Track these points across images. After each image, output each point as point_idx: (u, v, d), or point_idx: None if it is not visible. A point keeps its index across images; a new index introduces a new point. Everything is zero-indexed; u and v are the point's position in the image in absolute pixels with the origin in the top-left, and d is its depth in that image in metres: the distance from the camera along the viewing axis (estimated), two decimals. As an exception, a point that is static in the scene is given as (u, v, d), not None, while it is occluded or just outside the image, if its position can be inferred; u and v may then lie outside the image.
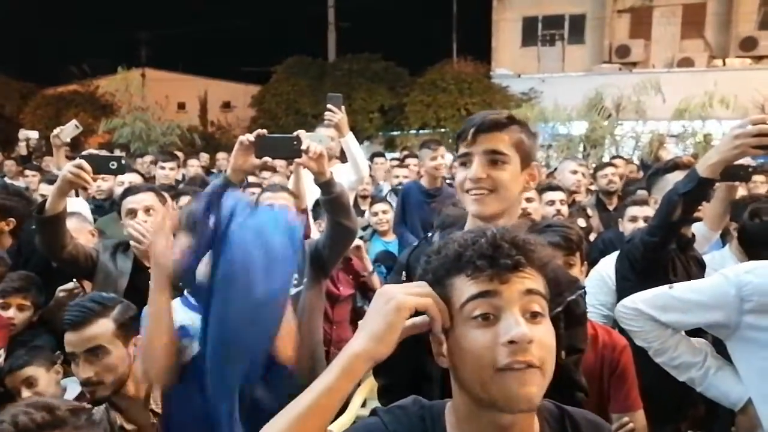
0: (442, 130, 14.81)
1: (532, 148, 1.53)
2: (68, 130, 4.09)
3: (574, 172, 4.29)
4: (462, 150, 1.51)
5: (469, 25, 19.99)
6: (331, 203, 2.40)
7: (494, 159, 1.47)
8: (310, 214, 3.32)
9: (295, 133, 2.21)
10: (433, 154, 4.40)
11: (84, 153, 2.33)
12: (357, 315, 3.53)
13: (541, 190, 3.55)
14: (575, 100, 11.17)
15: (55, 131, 4.12)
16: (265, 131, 2.20)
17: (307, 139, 2.22)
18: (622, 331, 2.10)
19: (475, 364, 0.93)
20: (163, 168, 4.79)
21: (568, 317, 1.44)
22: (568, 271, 1.67)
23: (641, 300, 1.98)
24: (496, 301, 0.94)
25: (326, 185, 2.34)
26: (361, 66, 17.19)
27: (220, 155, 8.26)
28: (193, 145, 12.75)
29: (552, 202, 3.52)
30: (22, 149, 4.81)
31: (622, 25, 17.99)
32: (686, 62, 16.56)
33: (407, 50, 18.86)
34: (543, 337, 0.95)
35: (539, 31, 18.48)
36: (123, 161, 2.34)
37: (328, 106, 3.37)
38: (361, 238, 3.90)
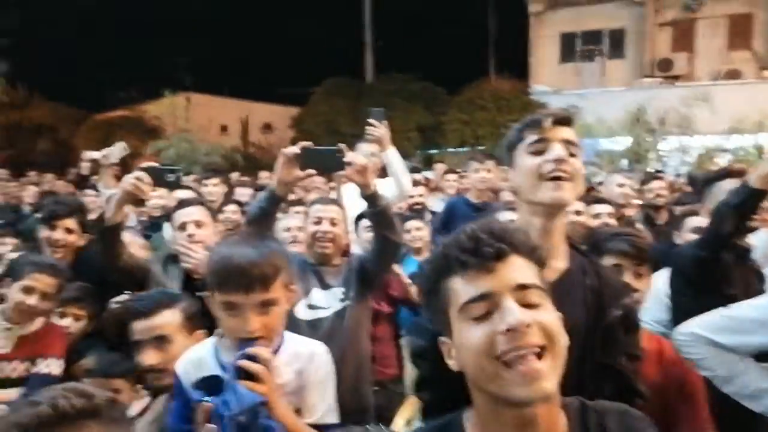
0: (481, 147, 14.74)
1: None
2: (116, 152, 4.24)
3: (621, 186, 4.17)
4: (534, 137, 1.44)
5: (506, 43, 20.01)
6: (377, 216, 2.41)
7: (570, 150, 1.43)
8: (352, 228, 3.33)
9: (338, 146, 2.23)
10: (479, 166, 4.34)
11: (143, 165, 2.42)
12: (398, 332, 3.47)
13: (588, 203, 3.46)
14: (616, 116, 10.98)
15: (104, 152, 4.27)
16: (310, 143, 2.22)
17: (351, 152, 2.25)
18: None
19: (478, 359, 0.93)
20: (206, 185, 4.91)
21: (626, 322, 1.40)
22: (619, 277, 1.60)
23: (698, 324, 1.84)
24: (491, 299, 0.95)
25: (371, 198, 2.34)
26: (398, 86, 17.34)
27: (263, 174, 8.42)
28: (235, 165, 13.04)
29: (599, 216, 3.42)
30: (84, 169, 5.02)
31: (663, 39, 17.65)
32: (734, 74, 16.08)
33: (444, 69, 18.99)
34: (543, 319, 0.94)
35: (578, 46, 18.32)
36: (180, 173, 2.41)
37: (370, 120, 3.40)
38: None
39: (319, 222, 2.65)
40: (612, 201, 3.73)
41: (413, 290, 3.27)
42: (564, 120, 1.45)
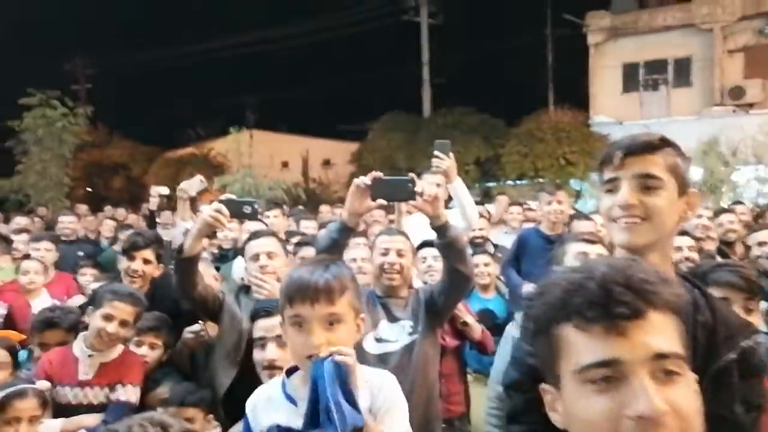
0: (541, 180, 14.49)
1: (688, 173, 1.39)
2: (194, 185, 4.36)
3: (699, 216, 3.98)
4: (608, 175, 1.36)
5: (566, 74, 19.80)
6: (447, 248, 2.38)
7: (647, 184, 1.31)
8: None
9: (409, 175, 2.23)
10: (550, 198, 4.25)
11: (221, 197, 2.50)
12: (464, 368, 3.36)
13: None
14: (684, 146, 10.54)
15: (182, 185, 4.42)
16: (380, 174, 2.23)
17: (422, 182, 2.24)
18: None
19: None
20: (268, 216, 5.03)
21: (743, 366, 1.26)
22: (738, 314, 1.46)
23: None
24: (617, 367, 0.79)
25: (442, 229, 2.32)
26: (456, 119, 17.41)
27: (323, 208, 8.56)
28: (297, 200, 13.35)
29: (680, 249, 3.25)
30: (152, 204, 5.22)
31: (734, 66, 16.98)
32: (812, 100, 15.23)
33: (502, 101, 18.96)
34: (681, 403, 0.79)
35: (641, 76, 17.89)
36: (256, 206, 2.48)
37: (436, 152, 3.40)
38: None
39: (386, 253, 2.64)
40: (690, 233, 3.55)
41: (475, 327, 3.16)
42: (639, 149, 1.33)
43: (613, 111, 17.34)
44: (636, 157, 1.33)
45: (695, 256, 3.29)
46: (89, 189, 18.99)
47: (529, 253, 4.17)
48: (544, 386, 0.92)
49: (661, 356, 0.79)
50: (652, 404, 0.76)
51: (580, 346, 0.82)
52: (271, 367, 2.00)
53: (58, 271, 4.50)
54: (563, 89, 19.55)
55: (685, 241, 3.34)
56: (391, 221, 4.72)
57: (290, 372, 1.60)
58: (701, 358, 1.27)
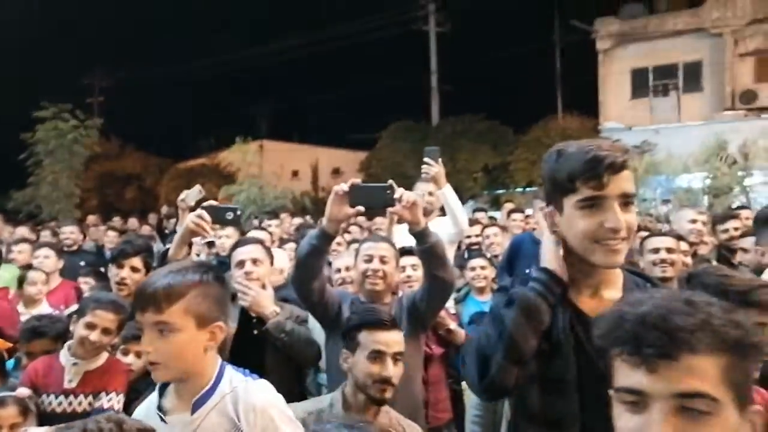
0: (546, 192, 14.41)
1: None
2: (192, 195, 4.42)
3: (693, 222, 3.92)
4: (587, 193, 1.32)
5: (574, 80, 19.70)
6: (427, 253, 2.37)
7: (627, 202, 1.33)
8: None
9: (387, 182, 2.23)
10: (542, 205, 4.21)
11: (204, 204, 2.52)
12: (451, 375, 3.32)
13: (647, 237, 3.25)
14: (695, 150, 10.45)
15: (182, 196, 4.48)
16: (359, 181, 2.24)
17: (401, 189, 2.24)
18: None
19: None
20: (269, 225, 5.08)
21: (763, 380, 1.31)
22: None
23: None
24: (643, 397, 0.87)
25: (421, 235, 2.32)
26: (464, 127, 17.41)
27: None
28: (304, 209, 13.40)
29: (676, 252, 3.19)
30: (163, 212, 5.29)
31: (745, 70, 16.80)
32: (825, 104, 15.02)
33: (510, 109, 18.91)
34: None
35: (650, 81, 17.77)
36: (238, 212, 2.49)
37: (425, 159, 3.40)
38: (454, 298, 3.74)
39: (370, 260, 2.64)
40: (685, 238, 3.50)
41: (459, 333, 3.12)
42: (621, 165, 1.31)
43: (623, 117, 17.23)
44: (618, 175, 1.31)
45: (689, 260, 3.25)
46: (100, 200, 19.22)
47: (523, 258, 4.13)
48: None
49: (685, 395, 0.84)
50: None
51: (620, 370, 0.91)
52: (385, 383, 1.99)
53: (63, 279, 4.55)
54: (572, 96, 19.49)
55: (681, 246, 3.30)
56: (378, 229, 4.70)
57: (163, 387, 1.55)
58: None
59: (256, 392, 1.51)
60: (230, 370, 1.56)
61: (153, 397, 1.57)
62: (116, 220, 9.58)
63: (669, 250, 2.99)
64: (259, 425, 1.46)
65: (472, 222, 5.29)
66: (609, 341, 0.92)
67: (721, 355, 0.84)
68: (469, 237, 4.61)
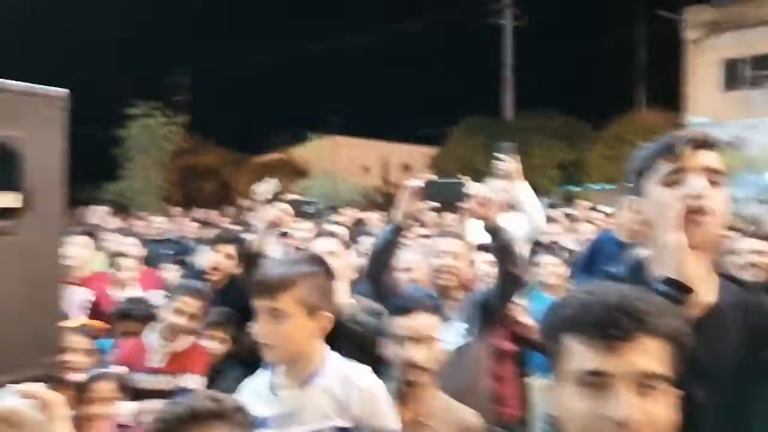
0: (630, 185, 13.81)
1: None
2: (269, 188, 4.61)
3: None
4: (666, 168, 1.29)
5: (658, 73, 18.74)
6: (500, 251, 2.36)
7: (713, 179, 1.27)
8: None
9: (461, 178, 2.23)
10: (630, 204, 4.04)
11: (288, 198, 2.64)
12: (524, 372, 3.29)
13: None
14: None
15: (256, 188, 4.68)
16: (434, 176, 2.25)
17: (475, 184, 2.23)
18: None
19: (579, 429, 0.95)
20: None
21: None
22: None
23: None
24: (606, 378, 0.93)
25: (494, 232, 2.30)
26: (539, 123, 16.99)
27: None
28: (374, 203, 13.56)
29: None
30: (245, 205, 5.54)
31: None
32: None
33: (589, 103, 18.25)
34: (656, 415, 0.93)
35: (746, 73, 16.59)
36: (318, 205, 2.58)
37: (500, 156, 3.36)
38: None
39: (442, 256, 2.64)
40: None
41: (535, 329, 3.10)
42: (705, 144, 1.28)
43: (712, 110, 16.19)
44: (703, 150, 1.28)
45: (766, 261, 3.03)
46: (183, 194, 20.26)
47: (604, 260, 3.97)
48: (551, 382, 1.05)
49: (644, 375, 0.93)
50: (630, 413, 0.91)
51: (580, 354, 0.96)
52: (412, 366, 1.94)
53: (146, 267, 4.86)
54: (654, 90, 18.55)
55: (756, 245, 3.09)
56: (449, 225, 4.68)
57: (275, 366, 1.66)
58: (756, 356, 1.25)
59: (364, 377, 1.65)
60: (336, 356, 1.70)
61: (264, 374, 1.69)
62: (199, 211, 10.07)
63: (760, 253, 2.81)
64: (366, 407, 1.60)
65: (549, 220, 5.17)
66: (567, 326, 0.98)
67: (667, 341, 0.95)
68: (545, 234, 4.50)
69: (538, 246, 4.18)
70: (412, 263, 3.19)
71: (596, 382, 0.94)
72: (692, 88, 17.19)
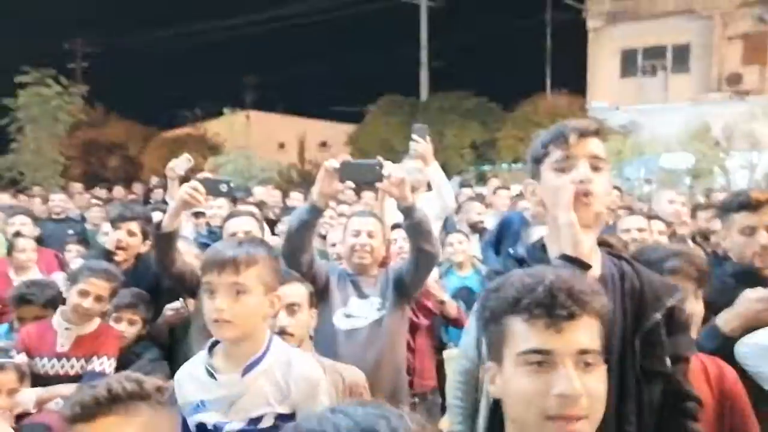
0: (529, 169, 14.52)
1: None
2: (181, 164, 4.44)
3: (672, 202, 4.04)
4: (558, 154, 1.41)
5: (563, 59, 19.70)
6: (413, 228, 2.45)
7: (596, 165, 1.40)
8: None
9: (376, 159, 2.29)
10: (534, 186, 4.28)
11: (198, 176, 2.56)
12: (440, 345, 3.47)
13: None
14: (680, 131, 10.58)
15: (170, 164, 4.50)
16: (349, 157, 2.30)
17: (389, 165, 2.30)
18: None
19: (526, 408, 1.00)
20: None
21: (670, 323, 1.37)
22: (661, 277, 1.53)
23: (764, 336, 1.77)
24: (551, 356, 1.00)
25: (408, 210, 2.39)
26: (453, 103, 17.38)
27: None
28: (290, 181, 13.40)
29: (650, 232, 3.31)
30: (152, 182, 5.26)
31: (732, 52, 16.92)
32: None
33: (499, 86, 18.92)
34: (593, 387, 1.00)
35: (639, 62, 17.84)
36: (231, 184, 2.53)
37: (413, 136, 3.45)
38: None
39: (357, 234, 2.71)
40: (663, 218, 3.61)
41: (451, 305, 3.26)
42: (590, 132, 1.41)
43: (611, 96, 17.30)
44: (589, 138, 1.40)
45: (665, 240, 3.36)
46: (85, 169, 19.01)
47: (511, 237, 4.22)
48: (488, 364, 1.10)
49: (584, 351, 1.00)
50: (574, 386, 0.97)
51: (525, 335, 1.02)
52: (282, 333, 2.01)
53: (40, 248, 4.57)
54: (560, 74, 19.50)
55: (657, 225, 3.41)
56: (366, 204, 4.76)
57: (213, 346, 1.66)
58: (632, 321, 1.39)
59: (305, 363, 1.67)
60: (278, 340, 1.70)
61: (201, 355, 1.67)
62: (99, 190, 9.50)
63: (640, 230, 3.10)
64: (304, 393, 1.61)
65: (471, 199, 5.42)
66: (511, 308, 1.03)
67: (598, 319, 1.04)
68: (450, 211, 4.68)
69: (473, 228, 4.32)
70: (338, 240, 3.23)
71: (541, 360, 0.99)
72: (593, 74, 18.25)
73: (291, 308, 2.05)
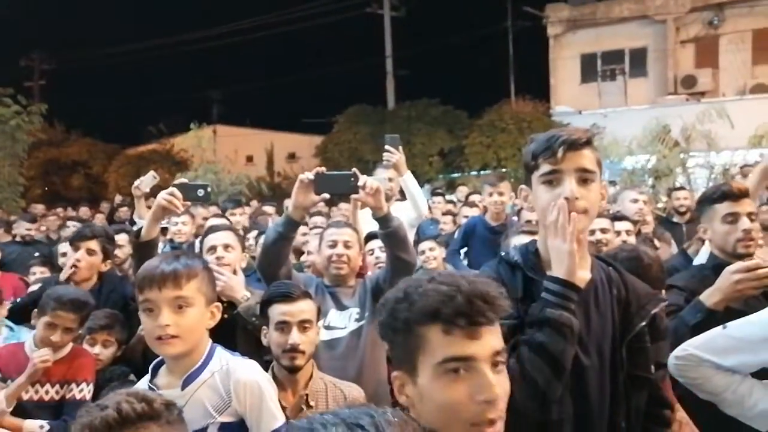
0: (504, 170, 14.75)
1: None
2: (147, 181, 4.41)
3: (635, 201, 4.17)
4: (546, 168, 1.42)
5: (526, 65, 20.10)
6: (390, 237, 2.48)
7: (584, 177, 1.41)
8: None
9: (351, 170, 2.32)
10: (492, 189, 4.40)
11: (176, 182, 2.52)
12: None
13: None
14: (640, 134, 10.90)
15: (136, 182, 4.45)
16: (323, 169, 2.33)
17: (364, 176, 2.33)
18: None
19: (450, 417, 1.00)
20: (233, 215, 5.09)
21: (653, 331, 1.42)
22: (646, 286, 1.56)
23: (695, 346, 1.74)
24: (469, 362, 1.01)
25: (384, 220, 2.42)
26: (420, 111, 17.53)
27: (288, 202, 8.58)
28: (260, 194, 13.29)
29: (618, 233, 3.42)
30: (116, 201, 5.16)
31: (686, 56, 17.55)
32: (760, 88, 15.87)
33: (465, 93, 19.16)
34: (505, 387, 1.04)
35: (599, 66, 18.33)
36: (209, 189, 2.49)
37: (386, 146, 3.50)
38: None
39: (334, 245, 2.72)
40: (629, 217, 3.73)
41: None
42: (579, 144, 1.41)
43: (573, 101, 17.72)
44: (575, 152, 1.40)
45: (632, 239, 3.47)
46: (46, 188, 18.50)
47: (476, 242, 4.31)
48: (396, 373, 1.09)
49: (497, 353, 1.04)
50: (495, 392, 1.00)
51: (443, 343, 1.01)
52: (293, 351, 2.05)
53: (2, 272, 4.46)
54: (524, 80, 19.86)
55: (624, 226, 3.52)
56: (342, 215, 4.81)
57: (156, 368, 1.65)
58: (619, 327, 1.43)
59: (246, 370, 1.65)
60: (220, 350, 1.68)
61: (146, 377, 1.66)
62: (64, 211, 9.28)
63: (603, 231, 3.19)
64: (247, 400, 1.60)
65: (445, 213, 5.56)
66: (427, 317, 1.02)
67: (501, 321, 1.07)
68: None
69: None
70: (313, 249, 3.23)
71: (460, 367, 1.00)
72: (555, 80, 18.67)
73: (302, 325, 2.09)
